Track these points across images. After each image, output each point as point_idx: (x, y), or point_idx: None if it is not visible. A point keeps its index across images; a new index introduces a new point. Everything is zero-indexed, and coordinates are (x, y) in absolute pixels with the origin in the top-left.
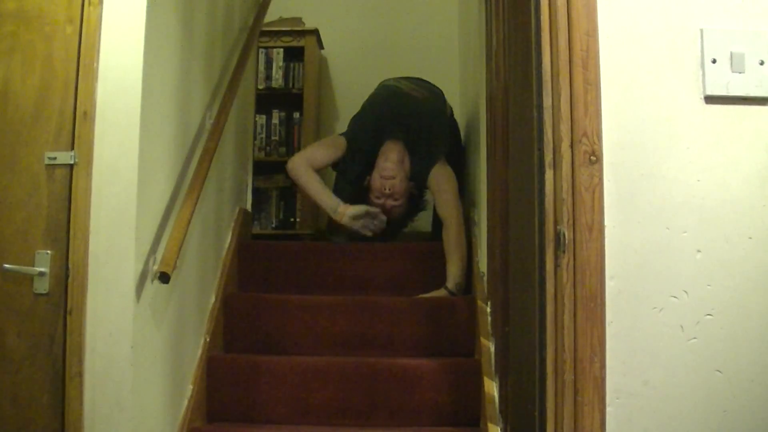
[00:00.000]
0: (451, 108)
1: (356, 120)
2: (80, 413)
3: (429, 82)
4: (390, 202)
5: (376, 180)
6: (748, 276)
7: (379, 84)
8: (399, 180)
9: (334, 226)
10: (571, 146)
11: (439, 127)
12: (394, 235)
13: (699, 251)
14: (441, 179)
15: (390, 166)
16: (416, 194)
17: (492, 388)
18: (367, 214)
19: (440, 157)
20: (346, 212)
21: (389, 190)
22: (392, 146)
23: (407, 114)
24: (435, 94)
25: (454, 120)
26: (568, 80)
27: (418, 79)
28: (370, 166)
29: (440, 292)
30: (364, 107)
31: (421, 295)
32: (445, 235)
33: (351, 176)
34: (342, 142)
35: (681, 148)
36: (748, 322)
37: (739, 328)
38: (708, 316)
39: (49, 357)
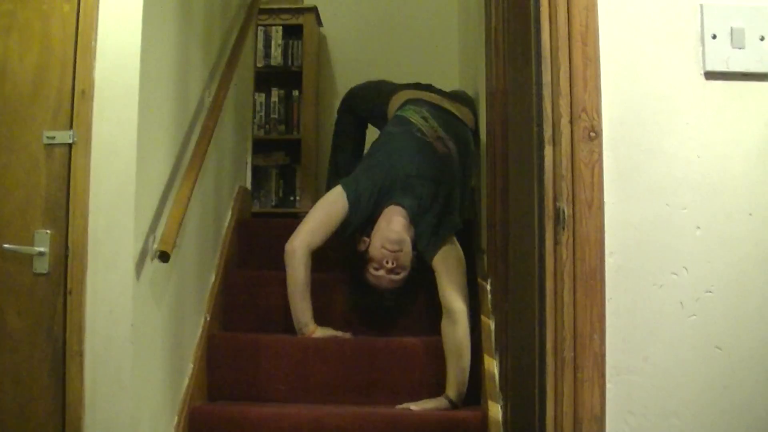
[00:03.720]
0: (476, 118)
1: (365, 174)
2: (81, 392)
3: (461, 101)
4: (391, 277)
5: (377, 249)
6: (748, 252)
7: (400, 109)
8: (405, 252)
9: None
10: (571, 122)
11: (457, 195)
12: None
13: (699, 228)
14: (449, 263)
15: (395, 236)
16: (416, 267)
17: (492, 365)
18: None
19: (451, 236)
20: (313, 334)
21: (392, 263)
22: (396, 210)
23: (421, 177)
24: (463, 132)
25: (477, 132)
26: (567, 56)
27: (450, 95)
28: (365, 224)
29: (439, 402)
30: (375, 155)
31: (412, 404)
32: (448, 330)
33: (349, 230)
34: (343, 208)
35: (681, 124)
36: (748, 299)
37: (739, 304)
38: (708, 293)
39: (49, 336)
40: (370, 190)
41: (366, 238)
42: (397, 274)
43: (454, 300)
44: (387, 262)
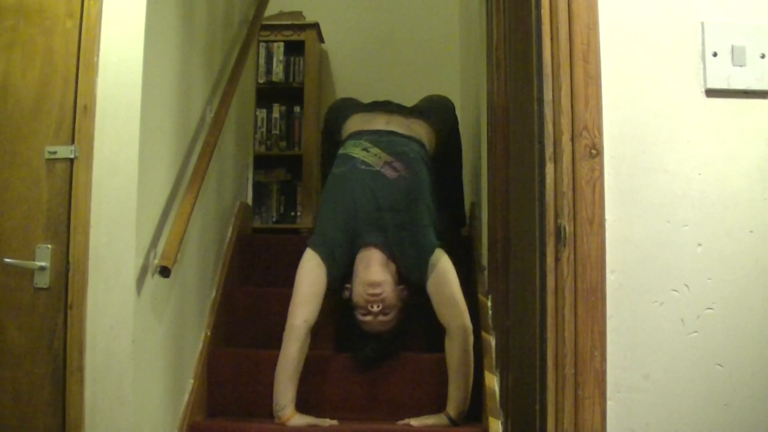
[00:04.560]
0: (453, 122)
1: (328, 225)
2: (81, 408)
3: (416, 113)
4: (380, 319)
5: (360, 295)
6: (749, 270)
7: (342, 147)
8: (387, 292)
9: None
10: (572, 139)
11: (425, 213)
12: (390, 356)
13: (700, 245)
14: (441, 283)
15: (374, 278)
16: (409, 301)
17: (493, 382)
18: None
19: (435, 252)
20: (289, 420)
21: (378, 307)
22: (370, 251)
23: (381, 209)
24: (410, 147)
25: (457, 134)
26: (568, 73)
27: (405, 110)
28: (347, 272)
29: (439, 419)
30: (328, 202)
31: (413, 420)
32: (449, 347)
33: (335, 285)
34: (323, 269)
35: (682, 142)
36: (749, 316)
37: (740, 322)
38: (709, 310)
39: (49, 351)
40: (339, 239)
41: (348, 285)
42: (386, 314)
43: (450, 319)
44: (372, 307)
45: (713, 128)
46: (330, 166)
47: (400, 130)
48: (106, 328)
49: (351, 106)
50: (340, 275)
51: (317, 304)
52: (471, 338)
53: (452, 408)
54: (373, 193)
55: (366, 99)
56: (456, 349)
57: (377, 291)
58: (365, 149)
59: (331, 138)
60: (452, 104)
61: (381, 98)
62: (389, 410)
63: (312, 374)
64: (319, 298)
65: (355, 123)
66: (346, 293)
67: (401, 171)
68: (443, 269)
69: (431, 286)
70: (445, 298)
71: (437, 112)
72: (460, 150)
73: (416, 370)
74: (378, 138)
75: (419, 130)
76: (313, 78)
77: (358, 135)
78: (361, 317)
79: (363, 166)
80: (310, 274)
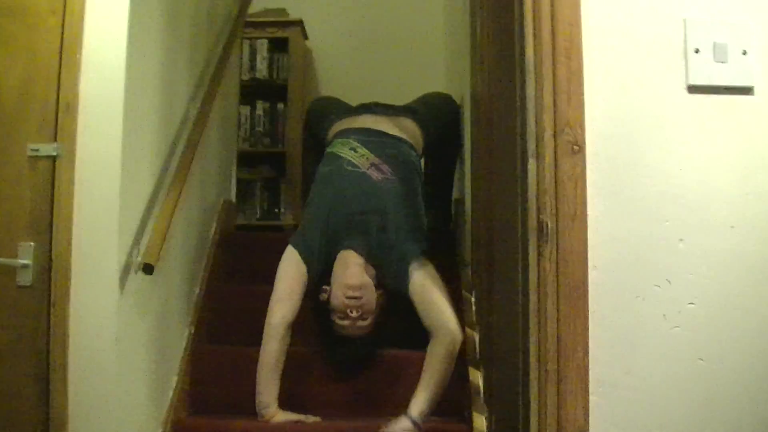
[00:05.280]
0: (447, 116)
1: (310, 225)
2: (65, 406)
3: (406, 112)
4: (358, 324)
5: (338, 297)
6: (731, 265)
7: (330, 146)
8: (367, 296)
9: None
10: (554, 136)
11: (409, 217)
12: (362, 361)
13: (681, 240)
14: (424, 288)
15: (353, 281)
16: (385, 306)
17: (477, 377)
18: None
19: (417, 259)
20: (272, 419)
21: (357, 312)
22: (349, 254)
23: (364, 212)
24: (399, 149)
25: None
26: (551, 70)
27: (395, 109)
28: (326, 272)
29: (403, 423)
30: (313, 201)
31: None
32: (432, 347)
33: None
34: (302, 266)
35: (664, 138)
36: (731, 311)
37: (722, 317)
38: (690, 305)
39: (33, 349)
40: (318, 239)
41: (326, 287)
42: (365, 320)
43: (436, 322)
44: (351, 312)
45: (695, 124)
46: (312, 163)
47: (389, 131)
48: (89, 326)
49: (336, 111)
50: (315, 276)
51: (297, 301)
52: (458, 346)
53: (415, 409)
54: (358, 195)
55: (351, 96)
56: (440, 351)
57: (357, 294)
58: (353, 149)
59: (314, 137)
60: (451, 100)
61: (366, 96)
62: (372, 408)
63: (295, 371)
64: (299, 296)
65: (342, 124)
66: (324, 295)
67: (387, 173)
68: (426, 275)
69: (413, 293)
70: (428, 304)
71: (428, 107)
72: (456, 146)
73: (399, 367)
74: (366, 138)
75: (408, 128)
76: (297, 75)
77: (345, 133)
78: (338, 321)
79: (349, 167)
80: (290, 272)
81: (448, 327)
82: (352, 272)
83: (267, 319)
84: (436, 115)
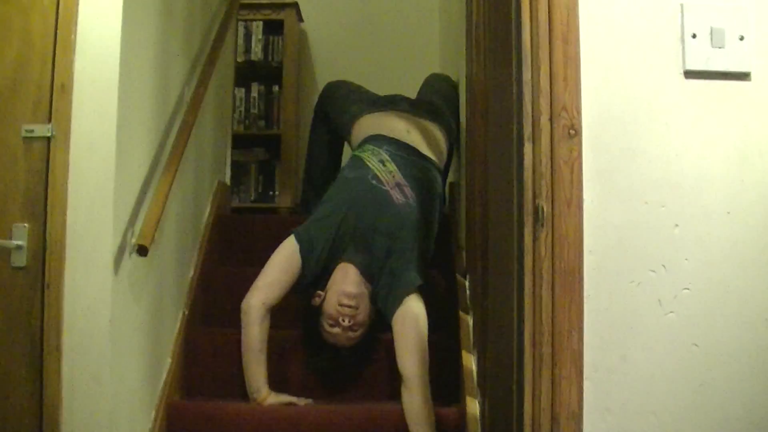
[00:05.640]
0: (457, 108)
1: (318, 225)
2: (59, 388)
3: (436, 115)
4: (348, 335)
5: (333, 305)
6: (726, 251)
7: (359, 148)
8: (362, 308)
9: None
10: (551, 120)
11: (416, 247)
12: (343, 370)
13: (677, 226)
14: (406, 325)
15: (352, 290)
16: (376, 319)
17: (470, 361)
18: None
19: (412, 292)
20: (264, 401)
21: (349, 321)
22: (349, 267)
23: (374, 231)
24: (427, 173)
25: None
26: (547, 54)
27: (425, 109)
28: (321, 276)
29: None
30: (329, 202)
31: None
32: (405, 398)
33: (303, 283)
34: (298, 261)
35: (660, 123)
36: (725, 297)
37: (717, 302)
38: (685, 291)
39: (27, 331)
40: (322, 243)
41: (320, 292)
42: (355, 331)
43: (406, 365)
44: (343, 320)
45: (692, 110)
46: (319, 142)
47: (421, 149)
48: (83, 308)
49: (359, 101)
50: (310, 276)
51: (280, 291)
52: (427, 386)
53: None
54: (374, 213)
55: (347, 78)
56: (416, 403)
57: (352, 303)
58: (382, 162)
59: (328, 124)
60: (454, 85)
61: (360, 78)
62: (365, 390)
63: (287, 354)
64: (284, 287)
65: (371, 124)
66: (317, 300)
67: (410, 198)
68: (414, 313)
69: (397, 323)
70: (407, 342)
71: (446, 102)
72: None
73: (391, 350)
74: (397, 152)
75: (436, 140)
76: (292, 57)
77: (378, 141)
78: (328, 327)
79: (374, 181)
80: (283, 262)
81: (413, 371)
82: (351, 281)
83: (246, 301)
84: (453, 110)
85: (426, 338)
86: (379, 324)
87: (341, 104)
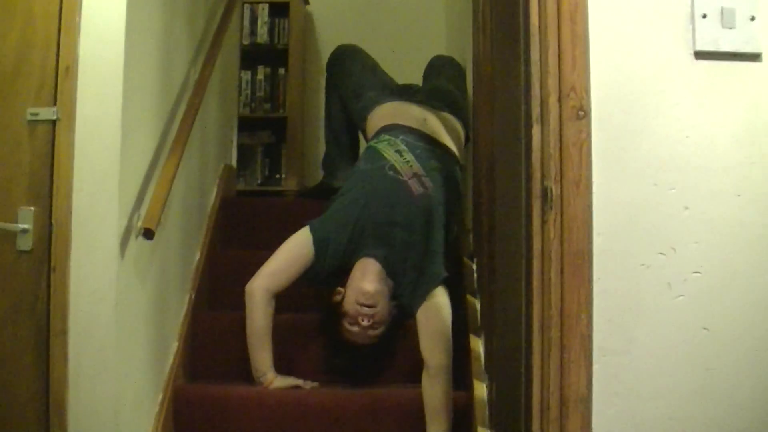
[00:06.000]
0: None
1: (334, 219)
2: (64, 371)
3: (453, 107)
4: (368, 333)
5: (351, 304)
6: (736, 233)
7: (375, 138)
8: (381, 306)
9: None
10: (559, 101)
11: (439, 238)
12: (361, 369)
13: (687, 208)
14: (430, 315)
15: (370, 288)
16: (397, 315)
17: (478, 345)
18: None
19: (437, 284)
20: (271, 385)
21: (368, 321)
22: (369, 262)
23: (394, 224)
24: (445, 163)
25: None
26: (555, 34)
27: (441, 101)
28: (342, 271)
29: None
30: (346, 196)
31: None
32: (426, 386)
33: (319, 278)
34: (309, 253)
35: (670, 104)
36: (735, 280)
37: (727, 285)
38: (695, 274)
39: (32, 315)
40: (338, 238)
41: (341, 289)
42: (375, 329)
43: (432, 355)
44: (363, 320)
45: (702, 91)
46: (338, 111)
47: (439, 137)
48: (89, 291)
49: (375, 88)
50: (324, 271)
51: (287, 280)
52: (451, 377)
53: None
54: (392, 205)
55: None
56: (438, 390)
57: (370, 302)
58: (399, 152)
59: (337, 90)
60: (462, 69)
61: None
62: (372, 374)
63: (292, 337)
64: (291, 278)
65: (387, 115)
66: (338, 297)
67: (428, 188)
68: (440, 304)
69: (422, 315)
70: (433, 332)
71: (459, 88)
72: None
73: (395, 335)
74: (415, 142)
75: (454, 131)
76: (297, 40)
77: (394, 131)
78: (348, 326)
79: (391, 172)
80: (295, 251)
81: (446, 362)
82: (369, 279)
83: (249, 284)
84: (464, 96)
85: (450, 329)
86: (400, 320)
87: (356, 88)
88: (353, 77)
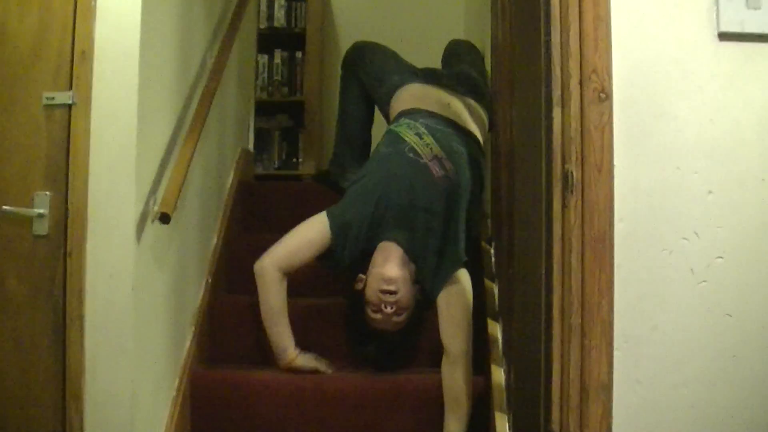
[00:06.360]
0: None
1: (354, 204)
2: (81, 357)
3: (475, 92)
4: (393, 320)
5: (373, 291)
6: (761, 218)
7: (395, 122)
8: (403, 292)
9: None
10: (580, 83)
11: (461, 221)
12: (393, 358)
13: (710, 192)
14: (451, 301)
15: (391, 274)
16: (422, 299)
17: (496, 330)
18: (316, 370)
19: (458, 269)
20: (294, 362)
21: (391, 308)
22: (390, 246)
23: (414, 207)
24: (467, 146)
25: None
26: (577, 15)
27: (465, 84)
28: (364, 256)
29: None
30: (365, 180)
31: None
32: (446, 372)
33: (341, 265)
34: (324, 237)
35: (693, 87)
36: (760, 266)
37: (751, 271)
38: (719, 259)
39: (49, 300)
40: (358, 223)
41: (362, 276)
42: (399, 315)
43: (453, 341)
44: (386, 307)
45: (726, 73)
46: (350, 100)
47: (460, 122)
48: (106, 276)
49: (399, 72)
50: (345, 257)
51: (298, 261)
52: (471, 363)
53: None
54: (413, 188)
55: None
56: (458, 377)
57: (392, 288)
58: (419, 134)
59: (357, 79)
60: (480, 53)
61: (385, 43)
62: (397, 361)
63: (312, 323)
64: (303, 259)
65: (410, 97)
66: (359, 285)
67: (449, 170)
68: (461, 288)
69: (443, 300)
70: (454, 318)
71: (482, 74)
72: None
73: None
74: (436, 125)
75: (478, 116)
76: (315, 23)
77: (414, 114)
78: (371, 314)
79: (411, 154)
80: (309, 233)
81: (466, 348)
82: (390, 265)
83: (258, 262)
84: (485, 80)
85: (471, 315)
86: (425, 304)
87: (378, 73)
88: (375, 64)
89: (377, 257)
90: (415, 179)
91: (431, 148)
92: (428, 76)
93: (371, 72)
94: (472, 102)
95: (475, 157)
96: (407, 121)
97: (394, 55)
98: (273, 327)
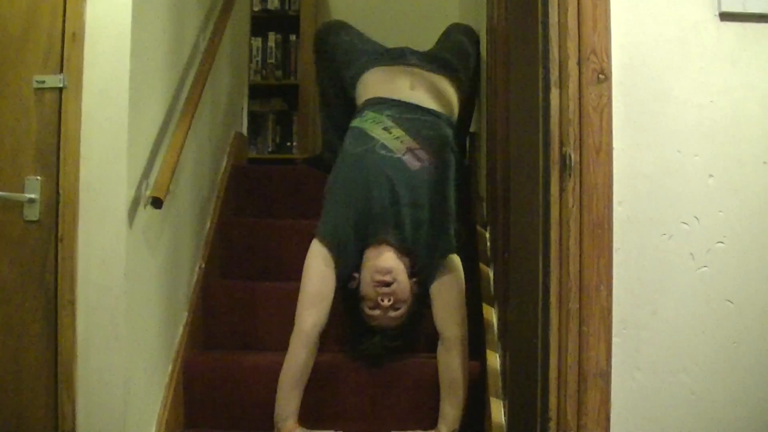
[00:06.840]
0: (475, 60)
1: (337, 215)
2: (73, 342)
3: (445, 66)
4: (390, 314)
5: (368, 285)
6: (762, 203)
7: (359, 117)
8: (399, 282)
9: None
10: (579, 64)
11: (446, 209)
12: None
13: (711, 176)
14: (445, 287)
15: (385, 265)
16: (420, 292)
17: (491, 314)
18: None
19: (449, 257)
20: None
21: (388, 301)
22: (381, 247)
23: (397, 204)
24: (438, 129)
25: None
26: None
27: (433, 60)
28: (356, 265)
29: None
30: (340, 185)
31: None
32: (442, 358)
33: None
34: (329, 259)
35: (694, 68)
36: (761, 251)
37: (752, 256)
38: (719, 244)
39: (40, 285)
40: (349, 233)
41: (356, 275)
42: (397, 309)
43: (447, 327)
44: (383, 300)
45: (727, 54)
46: (326, 83)
47: (426, 104)
48: (98, 261)
49: (366, 53)
50: (350, 269)
51: (327, 304)
52: (466, 349)
53: (444, 425)
54: (392, 185)
55: (363, 28)
56: (453, 362)
57: (387, 279)
58: (386, 129)
59: (331, 68)
60: (474, 35)
61: (378, 28)
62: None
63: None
64: (329, 298)
65: (374, 83)
66: (354, 283)
67: (425, 160)
68: (454, 275)
69: (435, 289)
70: (446, 304)
71: (460, 57)
72: (478, 82)
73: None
74: (401, 114)
75: (446, 93)
76: (309, 6)
77: (378, 106)
78: (368, 311)
79: (383, 151)
80: (318, 272)
81: (460, 333)
82: (384, 257)
83: (297, 325)
84: (467, 64)
85: (464, 300)
86: (424, 298)
87: (341, 57)
88: (339, 47)
89: (369, 254)
90: (393, 175)
91: (402, 141)
92: (394, 56)
93: (335, 56)
94: (435, 77)
95: (446, 136)
96: (372, 114)
97: (360, 35)
98: (289, 390)
